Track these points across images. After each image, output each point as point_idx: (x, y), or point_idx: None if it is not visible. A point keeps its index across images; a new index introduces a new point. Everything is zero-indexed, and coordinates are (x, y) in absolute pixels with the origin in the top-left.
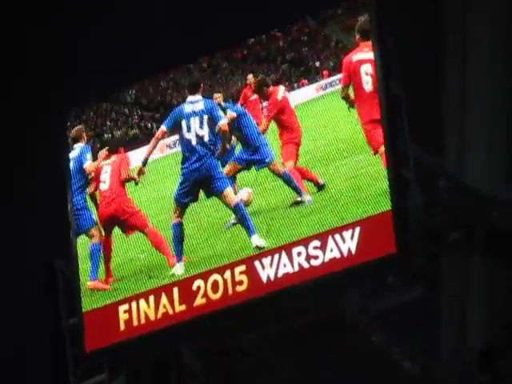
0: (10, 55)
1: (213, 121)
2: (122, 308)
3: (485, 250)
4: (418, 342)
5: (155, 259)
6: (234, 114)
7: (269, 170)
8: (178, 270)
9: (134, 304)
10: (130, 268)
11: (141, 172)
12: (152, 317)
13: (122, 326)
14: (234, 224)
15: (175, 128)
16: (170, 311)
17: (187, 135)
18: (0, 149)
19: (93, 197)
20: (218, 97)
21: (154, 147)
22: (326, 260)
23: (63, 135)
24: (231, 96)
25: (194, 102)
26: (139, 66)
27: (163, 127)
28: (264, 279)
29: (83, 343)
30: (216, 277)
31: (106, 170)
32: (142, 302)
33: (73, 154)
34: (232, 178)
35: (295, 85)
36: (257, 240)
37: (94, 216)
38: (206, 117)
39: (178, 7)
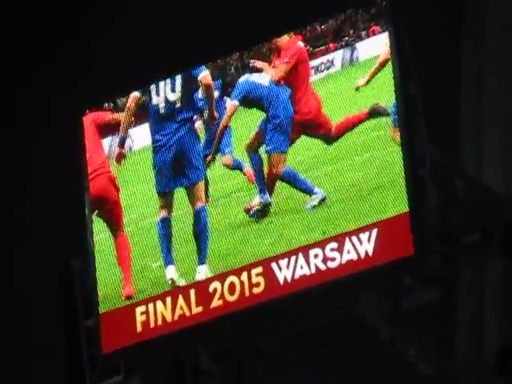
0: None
1: (189, 79)
2: (139, 309)
3: (502, 252)
4: (434, 344)
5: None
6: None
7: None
8: (172, 273)
9: (150, 305)
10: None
11: (120, 156)
12: (169, 318)
13: (139, 328)
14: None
15: (145, 93)
16: (187, 313)
17: (154, 100)
18: (13, 147)
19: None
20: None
21: (130, 121)
22: (343, 262)
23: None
24: None
25: None
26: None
27: (134, 93)
28: (281, 281)
29: (100, 345)
30: (233, 279)
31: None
32: (159, 303)
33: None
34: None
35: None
36: (202, 271)
37: None
38: (178, 76)
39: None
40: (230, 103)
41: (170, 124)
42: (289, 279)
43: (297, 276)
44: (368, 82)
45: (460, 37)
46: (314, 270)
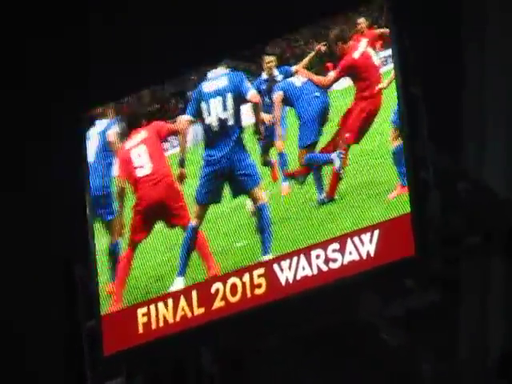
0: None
1: (239, 97)
2: (141, 311)
3: (504, 253)
4: (437, 345)
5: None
6: (281, 93)
7: None
8: (179, 284)
9: (152, 307)
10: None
11: (182, 176)
12: (171, 320)
13: (141, 329)
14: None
15: (197, 114)
16: (189, 314)
17: (207, 120)
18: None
19: (121, 195)
20: (270, 61)
21: (185, 142)
22: (345, 263)
23: (80, 135)
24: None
25: (216, 78)
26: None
27: (186, 116)
28: (283, 282)
29: (101, 347)
30: (235, 280)
31: (138, 152)
32: (161, 304)
33: (96, 130)
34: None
35: None
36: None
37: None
38: (229, 95)
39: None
40: (276, 96)
41: (223, 140)
42: (290, 280)
43: (298, 277)
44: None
45: (462, 36)
46: (315, 271)
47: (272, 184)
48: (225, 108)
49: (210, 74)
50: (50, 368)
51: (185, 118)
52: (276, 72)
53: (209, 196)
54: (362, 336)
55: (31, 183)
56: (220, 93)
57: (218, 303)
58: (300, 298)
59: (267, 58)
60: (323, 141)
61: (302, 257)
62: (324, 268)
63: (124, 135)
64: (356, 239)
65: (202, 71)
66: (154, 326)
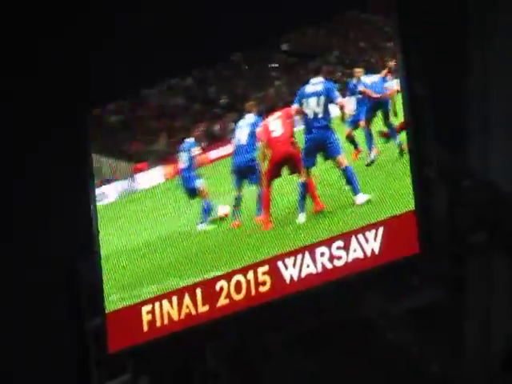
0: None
1: (329, 100)
2: (145, 309)
3: (508, 250)
4: (442, 342)
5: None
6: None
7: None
8: (302, 218)
9: (157, 305)
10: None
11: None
12: (175, 317)
13: (145, 327)
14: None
15: (300, 105)
16: (193, 312)
17: (306, 111)
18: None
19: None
20: (359, 72)
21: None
22: (350, 260)
23: (85, 137)
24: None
25: (315, 84)
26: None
27: (294, 105)
28: (287, 279)
29: (106, 344)
30: (239, 277)
31: (273, 123)
32: (165, 302)
33: (246, 122)
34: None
35: None
36: (361, 197)
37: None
38: (322, 98)
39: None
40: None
41: (315, 124)
42: (295, 278)
43: (303, 275)
44: None
45: (467, 37)
46: (320, 269)
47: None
48: (318, 105)
49: (312, 80)
50: (56, 365)
51: (293, 106)
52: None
53: (309, 161)
54: (366, 333)
55: (33, 177)
56: (316, 94)
57: (222, 301)
58: (304, 295)
59: (357, 70)
60: None
61: (307, 254)
62: (329, 266)
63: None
64: (360, 237)
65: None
66: (158, 324)
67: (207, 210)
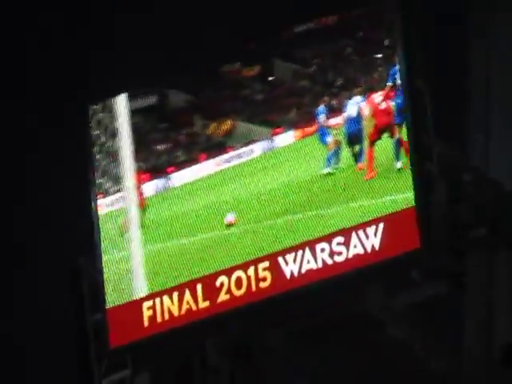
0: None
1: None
2: (146, 304)
3: (509, 245)
4: (443, 338)
5: None
6: None
7: None
8: (399, 165)
9: (157, 300)
10: None
11: None
12: (176, 313)
13: (146, 323)
14: None
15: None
16: (194, 307)
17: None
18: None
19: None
20: None
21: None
22: (350, 256)
23: (86, 133)
24: None
25: None
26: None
27: (389, 83)
28: (288, 275)
29: (107, 339)
30: (239, 273)
31: (378, 99)
32: (166, 298)
33: (355, 100)
34: None
35: None
36: (399, 164)
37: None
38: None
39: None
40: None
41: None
42: (295, 273)
43: (303, 270)
44: None
45: (469, 32)
46: (320, 265)
47: None
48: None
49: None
50: (57, 361)
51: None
52: None
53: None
54: (367, 329)
55: (34, 174)
56: None
57: (222, 296)
58: (305, 291)
59: None
60: None
61: (307, 250)
62: (329, 261)
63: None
64: (361, 232)
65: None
66: (159, 320)
67: (332, 157)
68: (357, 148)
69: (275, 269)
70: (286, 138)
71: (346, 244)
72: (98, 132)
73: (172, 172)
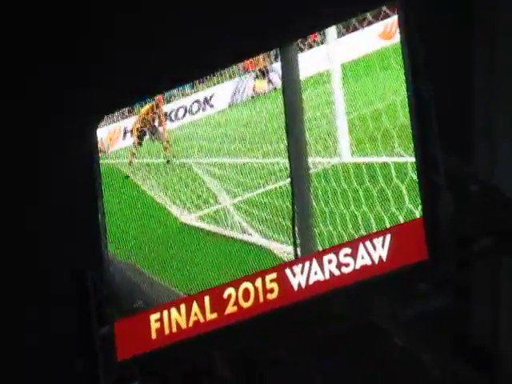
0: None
1: None
2: (154, 317)
3: None
4: (449, 349)
5: None
6: None
7: None
8: None
9: (165, 312)
10: None
11: None
12: (183, 325)
13: (154, 335)
14: None
15: None
16: (202, 319)
17: None
18: (25, 152)
19: None
20: None
21: None
22: (357, 267)
23: (92, 139)
24: None
25: None
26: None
27: None
28: (295, 287)
29: (115, 352)
30: (247, 285)
31: None
32: (174, 310)
33: None
34: None
35: None
36: None
37: None
38: None
39: None
40: None
41: None
42: (303, 285)
43: (311, 282)
44: None
45: (473, 36)
46: (328, 276)
47: None
48: None
49: None
50: (65, 373)
51: None
52: None
53: None
54: (374, 341)
55: (43, 185)
56: None
57: (230, 308)
58: (312, 302)
59: None
60: None
61: (314, 261)
62: (336, 273)
63: None
64: (368, 244)
65: None
66: (166, 332)
67: None
68: None
69: (282, 280)
70: None
71: (354, 255)
72: None
73: None
